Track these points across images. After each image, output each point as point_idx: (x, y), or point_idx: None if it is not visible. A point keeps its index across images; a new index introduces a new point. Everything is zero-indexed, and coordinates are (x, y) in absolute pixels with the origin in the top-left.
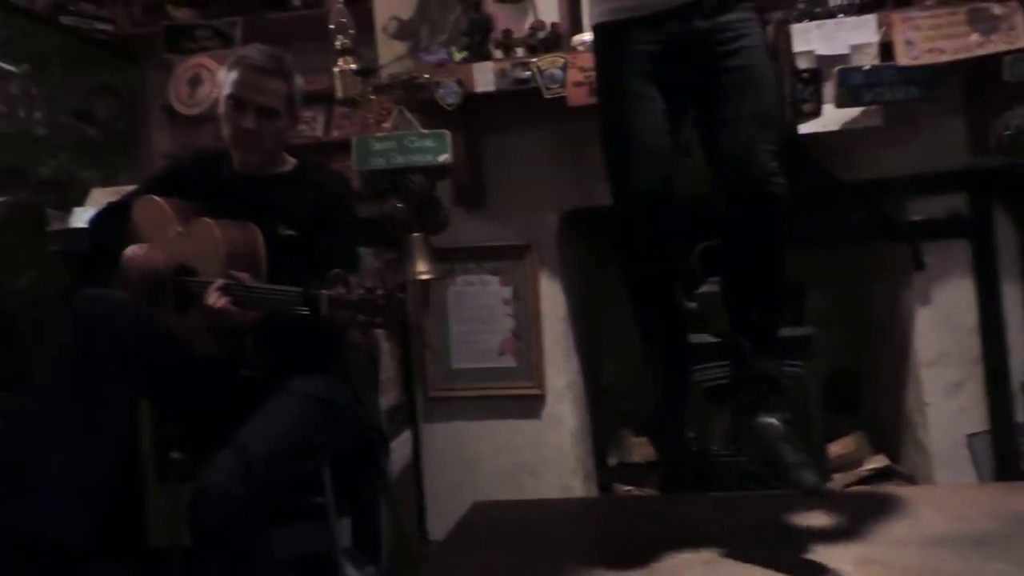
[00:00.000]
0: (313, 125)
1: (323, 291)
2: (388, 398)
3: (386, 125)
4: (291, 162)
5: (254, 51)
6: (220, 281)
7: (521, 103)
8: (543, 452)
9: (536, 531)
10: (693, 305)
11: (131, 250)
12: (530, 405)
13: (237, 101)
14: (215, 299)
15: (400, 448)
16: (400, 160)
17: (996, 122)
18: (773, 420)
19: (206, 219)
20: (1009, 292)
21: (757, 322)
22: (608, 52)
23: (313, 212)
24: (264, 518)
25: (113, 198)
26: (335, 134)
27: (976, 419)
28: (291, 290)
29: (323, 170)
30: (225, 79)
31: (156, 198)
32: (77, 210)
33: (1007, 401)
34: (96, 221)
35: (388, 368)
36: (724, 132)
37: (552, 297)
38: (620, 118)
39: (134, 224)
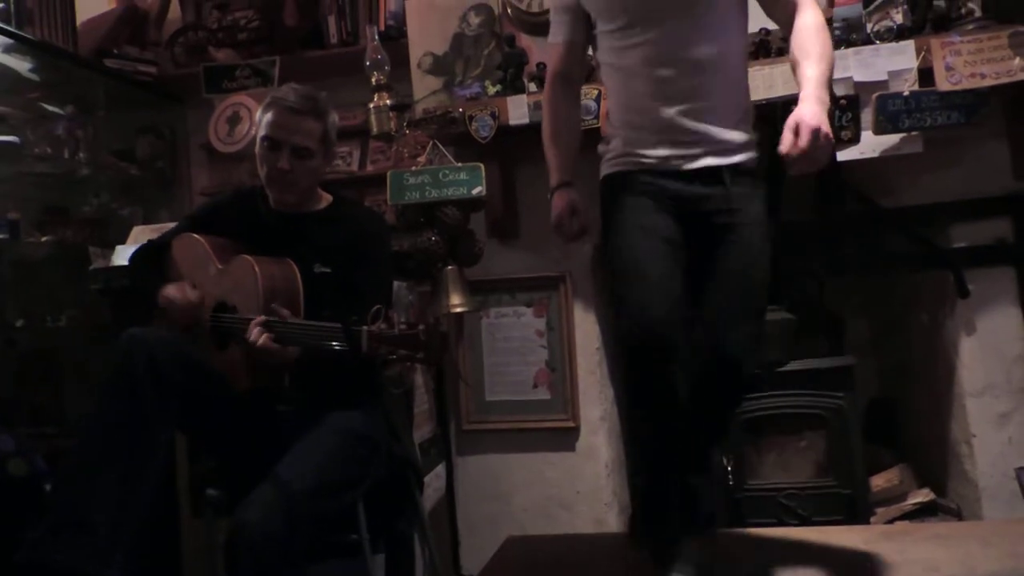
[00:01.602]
0: (348, 160)
1: (364, 327)
2: (422, 431)
3: (420, 159)
4: (327, 199)
5: (289, 91)
6: (261, 317)
7: None
8: (577, 485)
9: (570, 566)
10: None
11: (169, 288)
12: (564, 437)
13: (272, 142)
14: (256, 335)
15: (433, 481)
16: (434, 194)
17: None
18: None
19: (245, 256)
20: None
21: (699, 449)
22: (616, 193)
23: (348, 249)
24: (301, 554)
25: (153, 235)
26: (370, 168)
27: None
28: (331, 326)
29: (358, 207)
30: (260, 120)
31: (195, 236)
32: (119, 248)
33: None
34: (135, 260)
35: (422, 401)
36: (707, 304)
37: (586, 328)
38: (631, 254)
39: (174, 262)
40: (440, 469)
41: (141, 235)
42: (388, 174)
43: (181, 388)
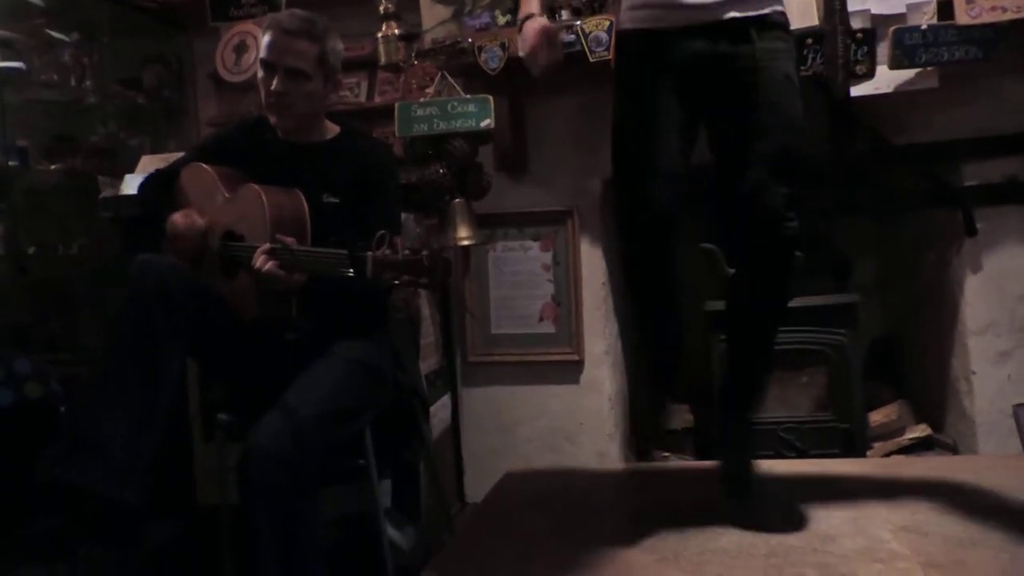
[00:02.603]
0: (356, 91)
1: (368, 252)
2: (428, 363)
3: (429, 91)
4: (334, 129)
5: (285, 15)
6: (266, 245)
7: (565, 66)
8: (581, 417)
9: (571, 498)
10: (732, 271)
11: (176, 216)
12: (569, 370)
13: (267, 64)
14: (262, 262)
15: (439, 412)
16: (442, 126)
17: None
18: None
19: (252, 185)
20: None
21: (747, 382)
22: (630, 61)
23: (356, 179)
24: (311, 478)
25: (161, 165)
26: (378, 100)
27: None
28: (337, 252)
29: (366, 137)
30: (261, 43)
31: (203, 165)
32: (128, 177)
33: None
34: (144, 188)
35: (429, 333)
36: (739, 170)
37: (592, 263)
38: (638, 133)
39: (182, 191)
40: (446, 400)
41: (149, 164)
42: (396, 106)
43: (192, 314)
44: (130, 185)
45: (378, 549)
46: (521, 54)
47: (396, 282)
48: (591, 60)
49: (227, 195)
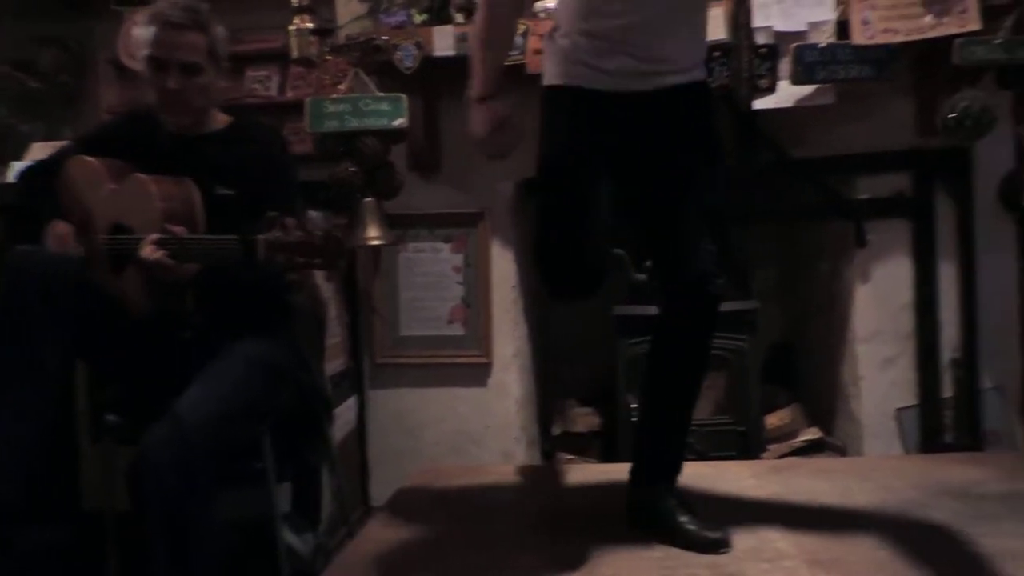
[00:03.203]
0: (267, 84)
1: (259, 236)
2: (334, 363)
3: (341, 87)
4: (224, 120)
5: (166, 5)
6: (154, 235)
7: None
8: (488, 420)
9: (477, 497)
10: (642, 277)
11: (57, 227)
12: (477, 373)
13: (157, 62)
14: (149, 252)
15: (344, 414)
16: (354, 123)
17: (943, 104)
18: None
19: (138, 175)
20: (944, 271)
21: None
22: (560, 119)
23: (250, 169)
24: (204, 484)
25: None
26: (289, 94)
27: (906, 393)
28: (226, 238)
29: (258, 126)
30: (142, 38)
31: (87, 158)
32: (15, 164)
33: (936, 377)
34: (24, 179)
35: (335, 333)
36: (665, 231)
37: (503, 265)
38: (564, 203)
39: (65, 183)
40: (351, 402)
41: (40, 152)
42: (307, 101)
43: (76, 312)
44: (16, 172)
45: (275, 555)
46: (471, 135)
47: (290, 264)
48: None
49: (113, 187)
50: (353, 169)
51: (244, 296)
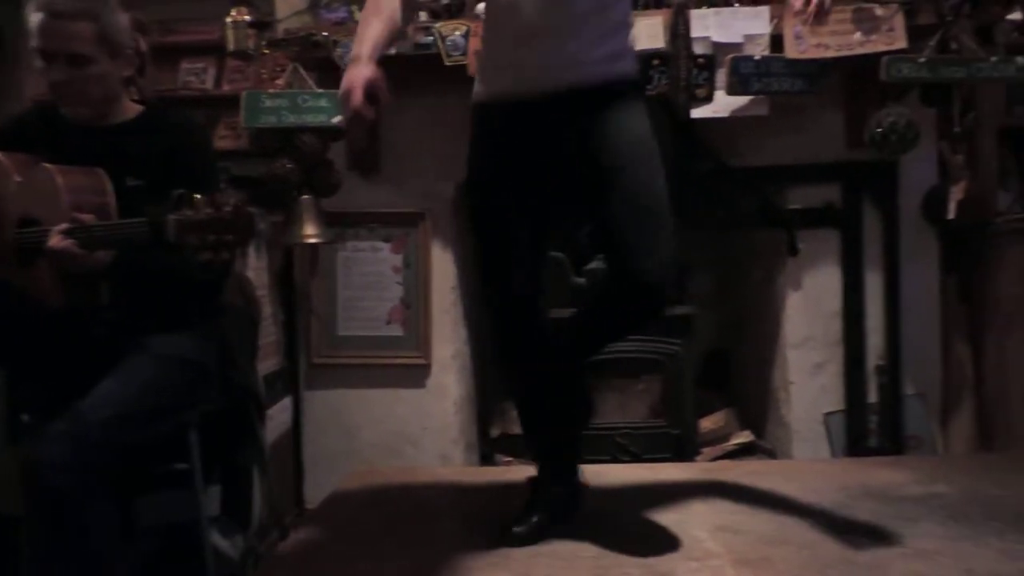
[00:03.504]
0: (203, 77)
1: (168, 216)
2: (268, 363)
3: (279, 82)
4: (136, 109)
5: None
6: (62, 225)
7: (421, 68)
8: (426, 422)
9: (413, 498)
10: (581, 281)
11: None
12: (415, 374)
13: (43, 54)
14: (57, 241)
15: (279, 414)
16: (292, 119)
17: (870, 119)
18: None
19: (47, 166)
20: (871, 280)
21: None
22: (485, 138)
23: (163, 160)
24: (102, 485)
25: None
26: (226, 88)
27: (834, 398)
28: (135, 221)
29: (173, 114)
30: (31, 27)
31: None
32: None
33: (862, 383)
34: None
35: (270, 332)
36: (613, 241)
37: (443, 266)
38: (493, 220)
39: None
40: (286, 402)
41: None
42: (243, 95)
43: None
44: None
45: (201, 558)
46: (338, 96)
47: (200, 243)
48: (447, 63)
49: (20, 180)
50: (290, 166)
51: (161, 285)
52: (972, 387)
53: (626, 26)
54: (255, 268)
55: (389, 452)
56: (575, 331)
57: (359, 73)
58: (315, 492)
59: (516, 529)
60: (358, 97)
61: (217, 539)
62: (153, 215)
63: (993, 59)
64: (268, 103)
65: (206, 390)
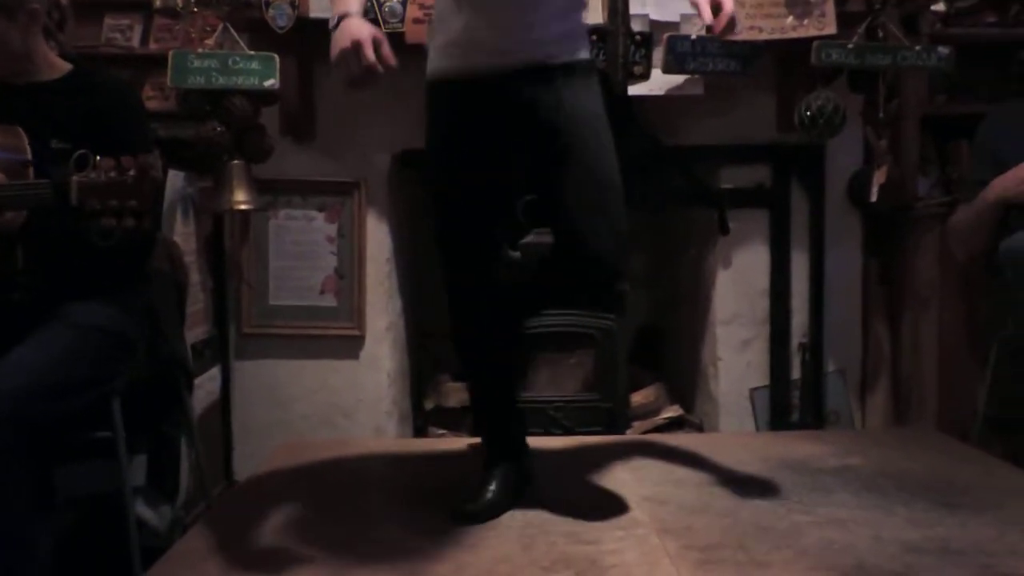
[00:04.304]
0: (128, 34)
1: (72, 177)
2: (196, 331)
3: (209, 42)
4: (63, 68)
5: None
6: None
7: None
8: (359, 394)
9: (344, 470)
10: (517, 255)
11: None
12: (349, 346)
13: None
14: None
15: (207, 384)
16: (222, 81)
17: (800, 102)
18: None
19: None
20: (797, 260)
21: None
22: (441, 114)
23: (90, 122)
24: (16, 456)
25: None
26: (153, 47)
27: (760, 374)
28: (39, 183)
29: (101, 75)
30: None
31: None
32: None
33: (786, 359)
34: None
35: (198, 300)
36: (563, 217)
37: (378, 238)
38: (454, 192)
39: None
40: (215, 372)
41: None
42: (171, 54)
43: None
44: None
45: (125, 529)
46: (333, 57)
47: (103, 208)
48: (384, 31)
49: None
50: (220, 129)
51: (76, 251)
52: (889, 365)
53: (581, 5)
54: (182, 233)
55: (321, 424)
56: (520, 304)
57: (361, 28)
58: (244, 464)
59: (469, 507)
60: (370, 53)
61: (142, 509)
62: (58, 176)
63: (917, 48)
64: (197, 63)
65: (127, 361)
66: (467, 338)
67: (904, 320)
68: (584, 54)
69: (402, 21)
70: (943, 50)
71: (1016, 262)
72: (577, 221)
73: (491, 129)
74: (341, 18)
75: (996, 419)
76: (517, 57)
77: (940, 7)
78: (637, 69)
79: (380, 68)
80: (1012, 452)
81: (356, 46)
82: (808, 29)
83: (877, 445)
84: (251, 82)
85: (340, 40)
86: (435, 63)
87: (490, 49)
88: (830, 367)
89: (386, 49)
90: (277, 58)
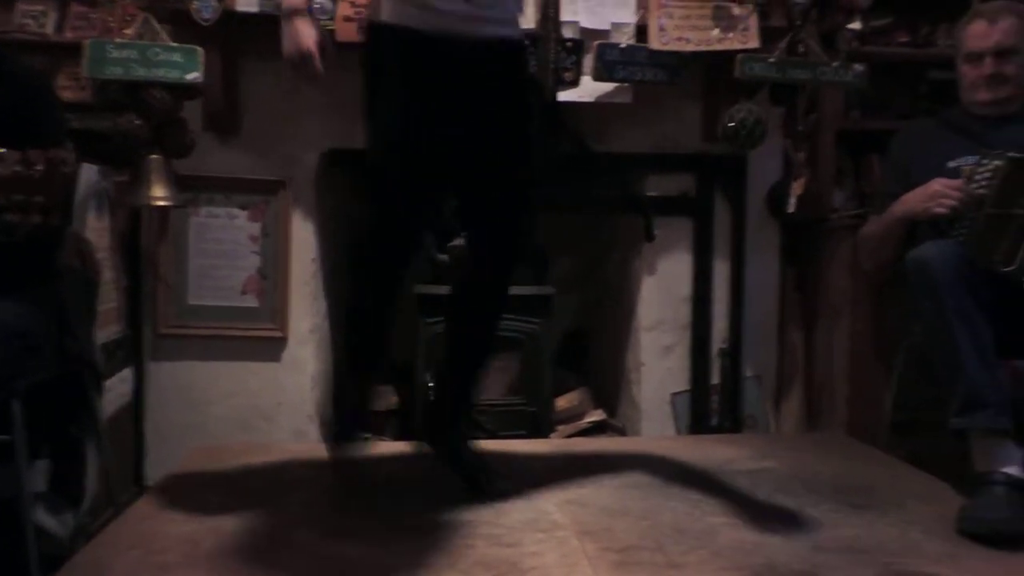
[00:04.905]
0: (41, 21)
1: None
2: (108, 331)
3: (128, 32)
4: None
5: None
6: None
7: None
8: (281, 397)
9: (261, 475)
10: (444, 257)
11: None
12: (271, 348)
13: None
14: None
15: (118, 386)
16: (141, 72)
17: (723, 114)
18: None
19: None
20: (719, 268)
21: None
22: (389, 59)
23: (2, 112)
24: None
25: None
26: (69, 35)
27: (681, 379)
28: None
29: (11, 63)
30: None
31: None
32: None
33: (707, 365)
34: None
35: (111, 298)
36: (481, 181)
37: (303, 238)
38: (397, 141)
39: None
40: (127, 373)
41: None
42: (87, 43)
43: None
44: None
45: (23, 536)
46: (285, 54)
47: (7, 203)
48: None
49: None
50: (138, 122)
51: None
52: (803, 371)
53: None
54: (95, 229)
55: (240, 427)
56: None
57: (308, 35)
58: (157, 469)
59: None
60: (318, 64)
61: (43, 516)
62: None
63: (835, 64)
64: (115, 54)
65: (31, 361)
66: (360, 301)
67: (818, 328)
68: (521, 34)
69: (332, 18)
70: (858, 67)
71: (919, 271)
72: (494, 193)
73: (449, 90)
74: (291, 11)
75: (901, 423)
76: (470, 27)
77: (856, 26)
78: (567, 75)
79: (322, 72)
80: (916, 455)
81: (305, 57)
82: (733, 42)
83: (790, 449)
84: (173, 75)
85: (288, 45)
86: (397, 6)
87: (464, 14)
88: (748, 372)
89: (329, 50)
90: (201, 51)
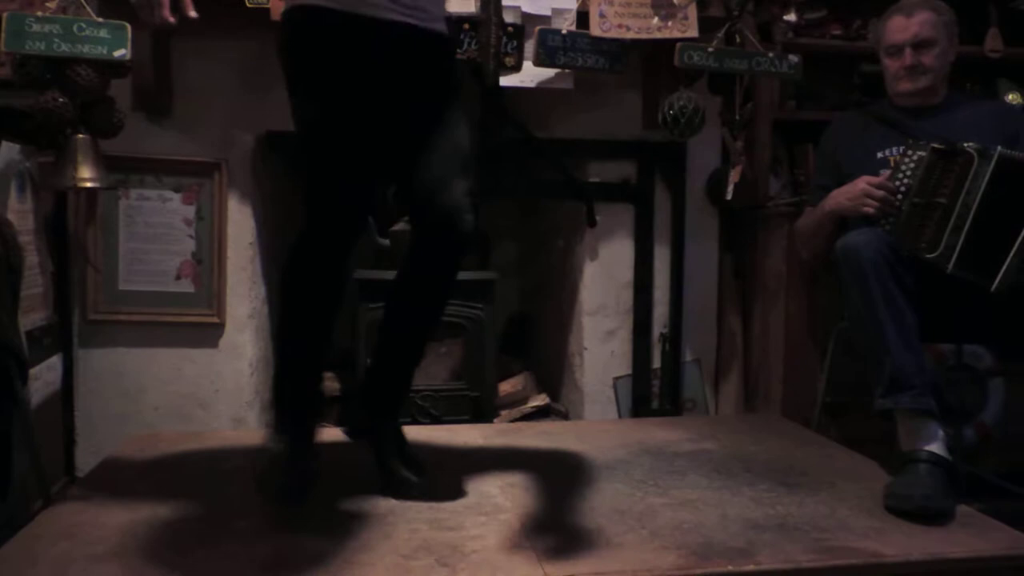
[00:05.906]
0: None
1: None
2: (33, 317)
3: (51, 5)
4: None
5: None
6: None
7: (222, 8)
8: (218, 383)
9: (197, 463)
10: (386, 242)
11: None
12: (207, 334)
13: None
14: None
15: (45, 374)
16: (65, 48)
17: (663, 102)
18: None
19: None
20: (659, 253)
21: (399, 370)
22: (315, 47)
23: None
24: None
25: None
26: None
27: (623, 364)
28: None
29: None
30: None
31: None
32: None
33: (648, 349)
34: None
35: (36, 283)
36: (420, 171)
37: (240, 221)
38: (328, 132)
39: None
40: (54, 361)
41: None
42: (4, 16)
43: None
44: None
45: None
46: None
47: None
48: (249, 5)
49: None
50: (62, 100)
51: None
52: (740, 355)
53: None
54: (17, 211)
55: (176, 416)
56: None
57: None
58: (88, 459)
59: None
60: (166, 11)
61: None
62: None
63: (770, 55)
64: (36, 27)
65: None
66: (299, 292)
67: (754, 312)
68: (446, 28)
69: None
70: (793, 58)
71: (847, 258)
72: (434, 179)
73: (372, 73)
74: None
75: (832, 405)
76: (401, 14)
77: (792, 17)
78: (509, 60)
79: (173, 21)
80: (846, 435)
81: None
82: (672, 31)
83: (729, 431)
84: (99, 51)
85: None
86: None
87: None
88: (688, 357)
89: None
90: (129, 27)
